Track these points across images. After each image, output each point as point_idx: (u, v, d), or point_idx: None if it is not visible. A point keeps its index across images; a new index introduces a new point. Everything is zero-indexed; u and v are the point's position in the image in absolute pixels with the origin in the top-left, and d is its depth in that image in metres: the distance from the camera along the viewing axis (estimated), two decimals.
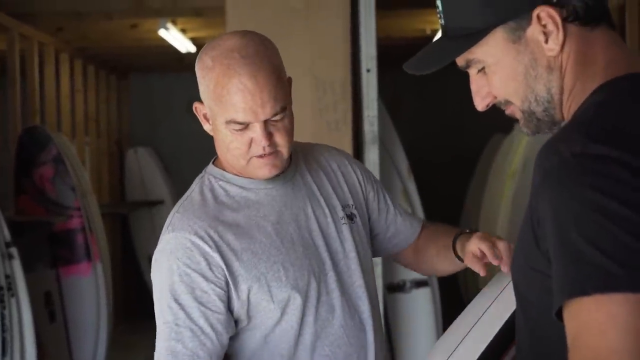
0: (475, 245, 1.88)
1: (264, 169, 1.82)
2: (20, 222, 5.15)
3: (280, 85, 1.78)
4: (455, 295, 8.10)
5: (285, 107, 1.80)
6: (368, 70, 3.91)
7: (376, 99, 3.87)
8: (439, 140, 8.63)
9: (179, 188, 8.73)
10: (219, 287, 1.78)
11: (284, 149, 1.82)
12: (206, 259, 1.77)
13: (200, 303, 1.77)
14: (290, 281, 1.81)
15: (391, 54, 5.13)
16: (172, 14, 6.03)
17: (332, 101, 3.89)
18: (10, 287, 4.36)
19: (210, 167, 1.92)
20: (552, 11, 1.31)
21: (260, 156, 1.80)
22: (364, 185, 2.04)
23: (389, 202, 2.09)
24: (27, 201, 5.67)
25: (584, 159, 1.16)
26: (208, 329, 1.77)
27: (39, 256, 5.53)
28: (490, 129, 8.45)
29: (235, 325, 1.83)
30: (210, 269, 1.77)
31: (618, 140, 1.17)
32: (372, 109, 3.91)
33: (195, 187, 1.90)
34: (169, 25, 6.14)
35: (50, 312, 5.58)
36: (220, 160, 1.91)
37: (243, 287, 1.79)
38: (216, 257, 1.77)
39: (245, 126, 1.77)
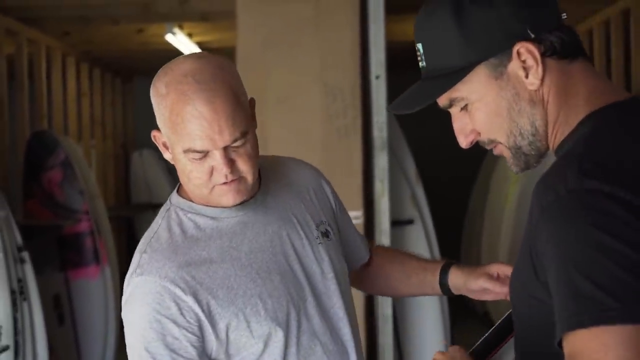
0: (478, 285, 1.93)
1: (227, 196, 1.71)
2: (29, 226, 5.19)
3: (239, 110, 1.67)
4: (461, 298, 8.14)
5: (246, 131, 1.68)
6: (377, 77, 3.95)
7: (385, 105, 3.91)
8: (442, 144, 8.65)
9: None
10: (191, 333, 1.69)
11: (248, 175, 1.71)
12: (177, 304, 1.68)
13: (172, 350, 1.68)
14: (269, 314, 1.73)
15: (397, 58, 5.16)
16: (179, 19, 6.06)
17: (342, 107, 3.93)
18: (22, 291, 4.41)
19: (176, 198, 1.80)
20: (531, 46, 1.35)
21: (224, 183, 1.69)
22: (333, 198, 1.98)
23: (347, 219, 2.03)
24: (36, 205, 5.71)
25: (578, 195, 1.21)
26: None
27: (48, 259, 5.57)
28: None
29: None
30: (182, 314, 1.68)
31: (610, 174, 1.22)
32: (381, 115, 3.96)
33: (161, 221, 1.78)
34: (176, 29, 6.17)
35: (59, 315, 5.63)
36: (184, 189, 1.79)
37: (221, 326, 1.70)
38: (189, 300, 1.68)
39: (205, 154, 1.67)
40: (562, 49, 1.37)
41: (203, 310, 1.68)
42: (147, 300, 1.67)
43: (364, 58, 4.00)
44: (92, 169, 7.18)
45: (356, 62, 3.95)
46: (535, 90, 1.37)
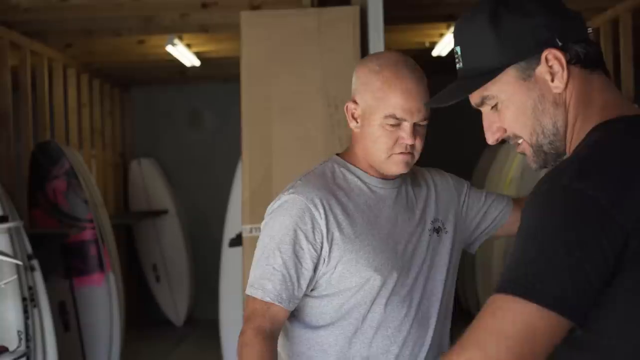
0: None
1: (399, 165, 2.12)
2: (35, 235, 5.29)
3: (428, 98, 2.11)
4: (457, 300, 8.25)
5: (428, 117, 2.13)
6: None
7: None
8: (434, 149, 8.75)
9: (182, 198, 8.83)
10: (315, 250, 2.08)
11: (417, 153, 2.14)
12: (312, 223, 2.08)
13: (297, 256, 2.07)
14: (375, 264, 2.09)
15: None
16: (180, 31, 6.16)
17: (344, 117, 4.05)
18: (33, 298, 4.51)
19: (335, 157, 2.22)
20: (558, 53, 1.50)
21: (401, 153, 2.10)
22: (457, 193, 2.31)
23: (479, 195, 2.33)
24: (41, 214, 5.81)
25: (566, 191, 1.36)
26: (295, 279, 2.08)
27: (54, 267, 5.65)
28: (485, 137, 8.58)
29: (312, 289, 2.13)
30: (313, 232, 2.07)
31: (600, 179, 1.36)
32: None
33: (318, 167, 2.19)
34: (176, 41, 6.28)
35: (65, 321, 5.71)
36: (348, 154, 2.20)
37: (336, 254, 2.08)
38: (322, 223, 2.07)
39: (398, 124, 2.09)
40: (585, 59, 1.51)
41: (328, 236, 2.07)
42: (292, 213, 2.08)
43: None
44: (92, 177, 7.28)
45: None
46: (559, 94, 1.51)
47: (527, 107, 1.52)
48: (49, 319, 4.62)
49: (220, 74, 8.22)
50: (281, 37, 4.11)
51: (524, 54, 1.51)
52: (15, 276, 4.29)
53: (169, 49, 6.38)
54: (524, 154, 1.58)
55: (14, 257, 4.35)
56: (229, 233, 5.64)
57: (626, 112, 1.50)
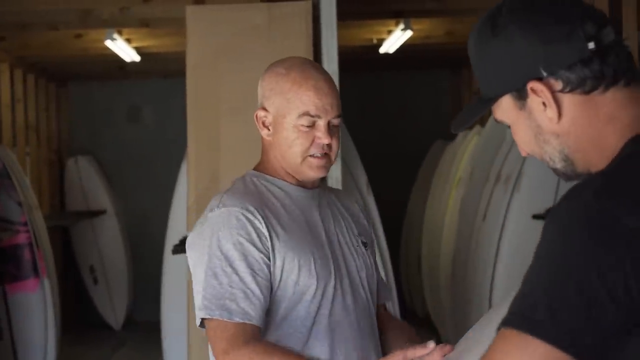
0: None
1: (316, 169, 2.07)
2: None
3: (339, 97, 2.10)
4: (403, 300, 8.17)
5: (341, 116, 2.10)
6: None
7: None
8: (379, 147, 8.69)
9: (121, 197, 8.65)
10: (266, 257, 2.00)
11: (333, 154, 2.09)
12: (256, 231, 1.99)
13: (252, 269, 1.98)
14: (316, 270, 2.03)
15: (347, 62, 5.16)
16: (120, 25, 5.99)
17: None
18: None
19: (249, 171, 2.16)
20: (541, 86, 1.35)
21: (317, 156, 2.05)
22: (371, 232, 2.29)
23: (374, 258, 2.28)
24: None
25: (589, 210, 1.22)
26: (258, 292, 1.97)
27: None
28: (430, 135, 8.55)
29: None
30: (260, 239, 2.00)
31: (626, 198, 1.22)
32: None
33: (237, 182, 2.12)
34: (115, 35, 6.11)
35: None
36: (263, 166, 2.14)
37: (279, 263, 2.01)
38: (264, 231, 2.00)
39: (313, 124, 2.04)
40: (583, 84, 1.34)
41: (271, 243, 2.01)
42: (232, 225, 1.98)
43: None
44: (27, 177, 7.02)
45: None
46: (558, 124, 1.37)
47: (529, 136, 1.41)
48: None
49: (161, 70, 8.15)
50: (229, 32, 3.93)
51: (511, 84, 1.38)
52: None
53: (108, 43, 6.23)
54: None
55: None
56: (171, 236, 5.45)
57: None
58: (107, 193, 8.45)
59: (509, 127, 1.45)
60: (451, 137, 7.71)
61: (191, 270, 2.06)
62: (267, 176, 2.11)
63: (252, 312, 1.96)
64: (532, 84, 1.35)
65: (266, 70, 2.15)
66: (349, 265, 2.11)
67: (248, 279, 1.97)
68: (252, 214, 2.00)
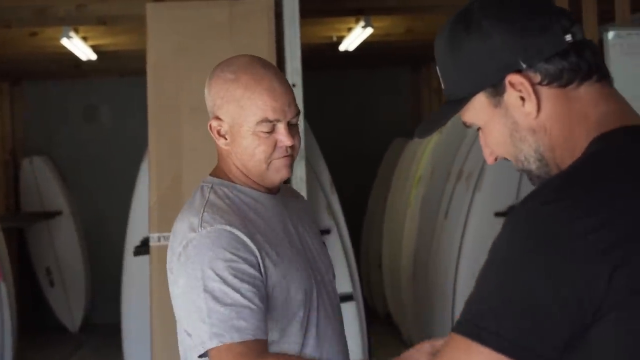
0: None
1: (282, 170, 1.99)
2: None
3: (293, 93, 2.03)
4: (379, 308, 8.15)
5: (299, 113, 2.02)
6: (294, 85, 3.87)
7: (302, 113, 3.84)
8: (338, 145, 8.66)
9: (78, 198, 8.53)
10: (260, 273, 1.92)
11: (295, 153, 2.02)
12: (245, 248, 1.91)
13: (251, 285, 1.89)
14: (302, 283, 1.99)
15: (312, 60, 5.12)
16: (76, 23, 5.89)
17: None
18: None
19: (213, 179, 2.04)
20: (521, 78, 1.33)
21: (281, 157, 1.97)
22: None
23: None
24: None
25: (535, 213, 1.22)
26: (262, 306, 1.89)
27: None
28: (390, 133, 8.54)
29: None
30: (252, 257, 1.91)
31: (581, 199, 1.22)
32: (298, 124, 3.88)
33: (209, 194, 2.00)
34: (72, 33, 6.00)
35: None
36: (225, 174, 2.03)
37: (269, 283, 1.94)
38: (253, 247, 1.92)
39: (272, 129, 1.95)
40: (560, 76, 1.34)
41: (262, 261, 1.92)
42: (222, 244, 1.89)
43: (280, 65, 3.92)
44: None
45: None
46: (535, 119, 1.35)
47: (504, 135, 1.38)
48: None
49: (118, 68, 8.06)
50: (190, 31, 3.88)
51: (487, 80, 1.36)
52: None
53: (64, 42, 6.11)
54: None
55: None
56: (132, 237, 5.37)
57: (626, 122, 1.33)
58: (63, 194, 8.33)
59: (478, 129, 1.42)
60: (411, 135, 7.70)
61: (177, 295, 1.94)
62: (237, 185, 2.02)
63: (262, 326, 1.89)
64: (511, 77, 1.34)
65: (211, 77, 2.02)
66: (321, 269, 2.08)
67: (249, 294, 1.88)
68: (240, 230, 1.92)
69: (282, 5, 3.96)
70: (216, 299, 1.86)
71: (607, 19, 4.43)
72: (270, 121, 1.95)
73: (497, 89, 1.35)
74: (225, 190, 2.01)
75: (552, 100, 1.34)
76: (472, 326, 1.20)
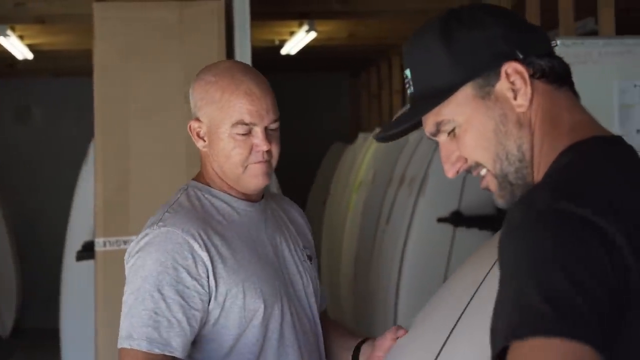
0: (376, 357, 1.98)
1: (259, 177, 1.98)
2: None
3: (274, 99, 2.02)
4: None
5: (279, 119, 2.02)
6: None
7: None
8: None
9: (7, 200, 8.34)
10: (200, 285, 1.89)
11: (274, 160, 2.01)
12: (193, 256, 1.89)
13: (182, 297, 1.88)
14: (263, 294, 1.95)
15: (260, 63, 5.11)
16: (13, 21, 5.78)
17: None
18: None
19: (194, 182, 2.05)
20: (520, 67, 1.35)
21: (257, 162, 1.96)
22: (312, 240, 2.23)
23: (315, 264, 2.22)
24: None
25: (546, 214, 1.18)
26: (184, 323, 1.88)
27: None
28: (330, 137, 8.56)
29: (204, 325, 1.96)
30: (196, 266, 1.89)
31: (585, 198, 1.19)
32: None
33: (180, 195, 2.02)
34: (9, 32, 5.88)
35: None
36: (205, 178, 2.04)
37: (222, 290, 1.91)
38: (204, 256, 1.89)
39: (249, 132, 1.96)
40: (551, 73, 1.37)
41: (213, 269, 1.90)
42: (167, 248, 1.88)
43: None
44: None
45: None
46: (523, 113, 1.35)
47: (488, 130, 1.36)
48: None
49: (54, 68, 7.92)
50: (139, 31, 3.82)
51: (481, 69, 1.35)
52: None
53: (0, 40, 5.96)
54: (488, 189, 1.40)
55: None
56: (72, 241, 5.25)
57: (597, 133, 1.34)
58: None
59: (452, 130, 1.39)
60: (350, 139, 7.72)
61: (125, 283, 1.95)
62: (213, 189, 2.02)
63: (174, 342, 1.86)
64: (509, 65, 1.34)
65: (195, 79, 2.05)
66: (296, 283, 2.06)
67: (175, 307, 1.87)
68: (194, 237, 1.90)
69: (232, 8, 3.93)
70: (142, 301, 1.87)
71: (549, 27, 4.50)
72: (247, 124, 1.96)
73: (488, 80, 1.35)
74: (198, 192, 2.02)
75: (541, 96, 1.36)
76: (530, 326, 1.10)
